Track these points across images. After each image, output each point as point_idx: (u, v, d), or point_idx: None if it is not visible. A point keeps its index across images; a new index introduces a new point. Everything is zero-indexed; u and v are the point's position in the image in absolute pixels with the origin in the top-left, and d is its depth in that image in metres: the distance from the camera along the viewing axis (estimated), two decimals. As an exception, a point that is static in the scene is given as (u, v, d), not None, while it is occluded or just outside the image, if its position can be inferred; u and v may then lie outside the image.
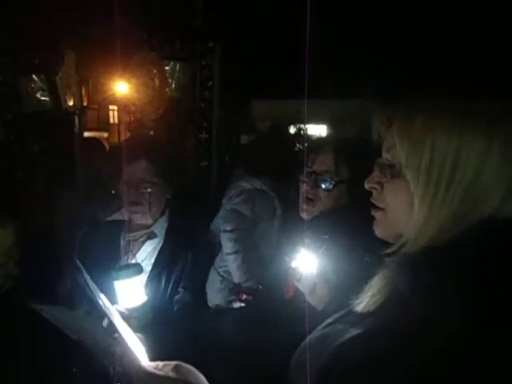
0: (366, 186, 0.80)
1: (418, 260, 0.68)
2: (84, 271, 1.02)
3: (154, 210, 1.60)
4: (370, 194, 0.80)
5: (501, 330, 0.59)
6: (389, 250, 0.73)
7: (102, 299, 1.01)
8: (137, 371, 0.83)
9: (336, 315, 0.82)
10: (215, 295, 2.60)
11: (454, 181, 0.67)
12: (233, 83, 4.68)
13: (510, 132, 0.67)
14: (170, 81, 4.05)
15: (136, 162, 1.57)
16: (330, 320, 0.82)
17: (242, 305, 2.47)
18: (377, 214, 0.79)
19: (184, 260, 1.58)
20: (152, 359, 0.85)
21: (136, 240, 1.62)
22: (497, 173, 0.67)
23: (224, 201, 2.76)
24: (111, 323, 0.97)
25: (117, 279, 1.36)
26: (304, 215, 1.45)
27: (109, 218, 1.70)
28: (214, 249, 2.64)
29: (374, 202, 0.79)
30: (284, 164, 2.69)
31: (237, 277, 2.55)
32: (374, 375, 0.63)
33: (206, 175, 4.23)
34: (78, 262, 1.04)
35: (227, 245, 2.56)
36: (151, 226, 1.61)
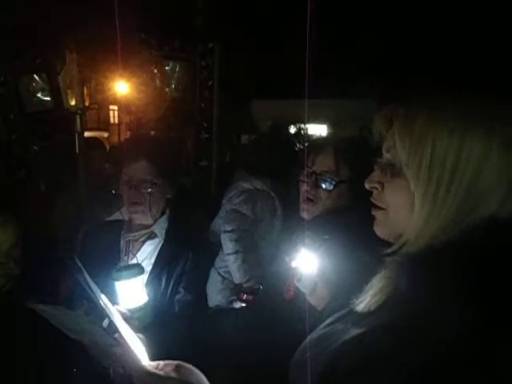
0: (367, 185, 0.80)
1: (419, 259, 0.68)
2: (85, 271, 1.02)
3: (154, 210, 1.59)
4: (371, 193, 0.80)
5: (502, 330, 0.59)
6: (389, 250, 0.73)
7: (103, 299, 1.01)
8: (138, 371, 0.83)
9: (336, 315, 0.82)
10: (216, 295, 2.60)
11: (455, 180, 0.67)
12: (233, 83, 4.69)
13: (510, 131, 0.67)
14: (170, 81, 4.05)
15: (136, 161, 1.57)
16: (330, 320, 0.82)
17: (243, 305, 2.47)
18: (377, 214, 0.79)
19: (184, 260, 1.58)
20: (153, 359, 0.85)
21: (136, 240, 1.62)
22: (497, 172, 0.67)
23: (224, 201, 2.77)
24: (111, 323, 0.97)
25: (118, 280, 1.36)
26: (304, 215, 1.45)
27: (109, 218, 1.70)
28: (215, 249, 2.64)
29: (375, 202, 0.79)
30: (284, 164, 2.69)
31: (237, 277, 2.55)
32: (374, 375, 0.63)
33: (207, 175, 4.23)
34: (79, 262, 1.04)
35: (227, 245, 2.56)
36: (151, 225, 1.61)
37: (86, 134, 3.58)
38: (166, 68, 4.04)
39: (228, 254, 2.57)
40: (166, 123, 4.19)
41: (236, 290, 2.57)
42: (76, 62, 3.06)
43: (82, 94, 3.12)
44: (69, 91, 3.09)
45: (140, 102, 3.94)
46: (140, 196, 1.56)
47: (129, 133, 4.77)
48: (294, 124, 6.26)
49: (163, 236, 1.59)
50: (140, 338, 0.94)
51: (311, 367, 0.72)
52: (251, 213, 2.59)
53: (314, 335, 0.81)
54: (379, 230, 0.80)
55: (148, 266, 1.56)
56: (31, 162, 3.74)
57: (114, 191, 1.74)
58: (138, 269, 1.40)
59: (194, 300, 1.57)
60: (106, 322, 1.24)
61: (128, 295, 1.37)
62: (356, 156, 1.37)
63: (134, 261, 1.56)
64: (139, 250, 1.61)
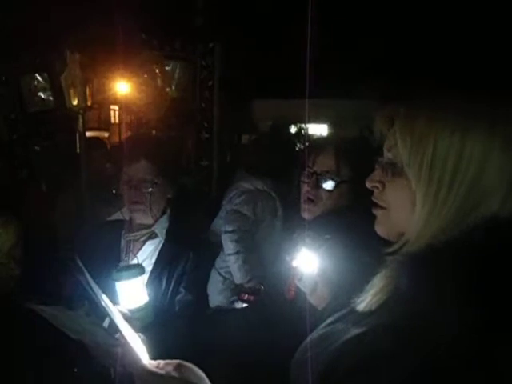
0: (368, 184, 0.80)
1: (420, 259, 0.68)
2: (86, 271, 1.02)
3: (154, 210, 1.59)
4: (372, 193, 0.80)
5: (503, 330, 0.59)
6: (390, 249, 0.73)
7: (104, 299, 1.01)
8: (139, 370, 0.83)
9: (337, 314, 0.82)
10: (217, 296, 2.60)
11: (456, 180, 0.67)
12: (233, 83, 4.69)
13: (511, 131, 0.67)
14: (170, 81, 4.05)
15: (137, 161, 1.57)
16: (331, 319, 0.82)
17: (244, 305, 2.47)
18: (378, 213, 0.79)
19: (185, 260, 1.58)
20: (154, 359, 0.85)
21: (137, 240, 1.62)
22: (498, 172, 0.66)
23: (224, 201, 2.77)
24: (112, 323, 0.97)
25: (118, 280, 1.36)
26: (305, 215, 1.45)
27: (109, 218, 1.70)
28: (215, 249, 2.64)
29: (376, 201, 0.79)
30: (284, 164, 2.69)
31: (238, 277, 2.55)
32: (375, 374, 0.63)
33: (207, 175, 4.24)
34: (80, 262, 1.04)
35: (228, 245, 2.56)
36: (152, 225, 1.61)
37: (87, 133, 3.59)
38: (167, 68, 4.04)
39: (229, 255, 2.57)
40: (167, 123, 4.19)
41: (237, 291, 2.57)
42: (78, 61, 3.06)
43: (85, 93, 3.12)
44: (71, 91, 3.09)
45: (141, 102, 3.94)
46: (140, 196, 1.56)
47: (129, 133, 4.77)
48: (295, 124, 6.25)
49: (164, 236, 1.59)
50: (141, 338, 0.94)
51: (312, 367, 0.72)
52: (252, 213, 2.59)
53: (314, 335, 0.81)
54: (380, 229, 0.80)
55: (149, 265, 1.56)
56: (33, 162, 3.74)
57: (114, 191, 1.74)
58: (139, 269, 1.40)
59: (194, 300, 1.57)
60: (106, 322, 1.24)
61: (128, 295, 1.37)
62: (357, 156, 1.37)
63: (135, 261, 1.56)
64: (140, 249, 1.61)
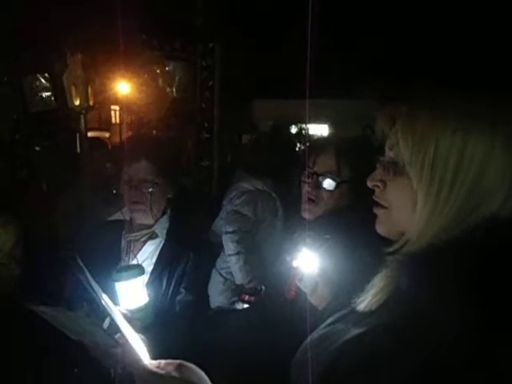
0: (369, 183, 0.80)
1: (421, 258, 0.68)
2: (86, 271, 1.02)
3: (155, 210, 1.59)
4: (372, 193, 0.80)
5: (504, 330, 0.59)
6: (391, 249, 0.73)
7: (105, 299, 1.01)
8: (139, 370, 0.83)
9: (337, 314, 0.82)
10: (217, 296, 2.60)
11: (458, 180, 0.67)
12: (234, 83, 4.69)
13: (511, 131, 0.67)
14: (171, 81, 4.06)
15: (137, 161, 1.56)
16: (331, 319, 0.82)
17: (245, 306, 2.47)
18: (379, 212, 0.79)
19: (185, 260, 1.58)
20: (154, 359, 0.85)
21: (137, 240, 1.61)
22: (500, 172, 0.66)
23: (225, 202, 2.76)
24: (113, 323, 0.97)
25: (118, 280, 1.35)
26: (306, 215, 1.44)
27: (110, 218, 1.70)
28: (216, 250, 2.64)
29: (377, 200, 0.79)
30: (284, 164, 2.69)
31: (239, 278, 2.55)
32: (375, 374, 0.63)
33: (208, 175, 4.24)
34: (81, 262, 1.04)
35: (229, 246, 2.56)
36: (152, 225, 1.61)
37: (88, 133, 3.59)
38: (167, 69, 4.05)
39: (230, 255, 2.57)
40: (167, 123, 4.20)
41: (238, 291, 2.57)
42: (80, 61, 3.06)
43: (86, 93, 3.12)
44: (73, 91, 3.09)
45: (141, 102, 3.95)
46: (141, 196, 1.56)
47: (130, 133, 4.77)
48: (296, 124, 6.26)
49: (164, 236, 1.59)
50: (141, 338, 0.94)
51: (312, 367, 0.72)
52: (252, 214, 2.59)
53: (314, 335, 0.81)
54: (381, 229, 0.80)
55: (149, 266, 1.56)
56: (34, 162, 3.75)
57: (114, 191, 1.74)
58: (138, 269, 1.40)
59: (195, 300, 1.56)
60: (106, 323, 1.24)
61: (128, 296, 1.37)
62: (357, 156, 1.37)
63: (135, 261, 1.56)
64: (140, 250, 1.61)
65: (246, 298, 2.48)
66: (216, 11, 4.08)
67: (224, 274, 2.65)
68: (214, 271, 2.62)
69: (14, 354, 2.01)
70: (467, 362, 0.58)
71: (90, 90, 3.28)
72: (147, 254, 1.60)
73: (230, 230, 2.57)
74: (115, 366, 1.16)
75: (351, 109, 7.06)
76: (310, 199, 1.43)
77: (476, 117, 0.68)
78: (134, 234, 1.61)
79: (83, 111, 3.19)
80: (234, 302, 2.60)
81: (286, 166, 2.67)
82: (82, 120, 3.21)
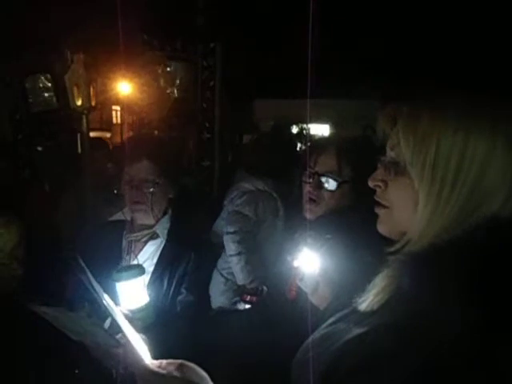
0: (370, 183, 0.80)
1: (422, 258, 0.68)
2: (88, 271, 1.02)
3: (156, 210, 1.59)
4: (374, 193, 0.80)
5: (504, 330, 0.59)
6: (392, 249, 0.73)
7: (106, 299, 1.01)
8: (140, 370, 0.83)
9: (339, 314, 0.82)
10: (219, 297, 2.60)
11: (459, 180, 0.67)
12: (234, 83, 4.69)
13: None
14: (173, 81, 4.06)
15: (138, 161, 1.57)
16: (332, 319, 0.82)
17: (247, 306, 2.47)
18: (381, 212, 0.79)
19: (187, 260, 1.58)
20: (156, 359, 0.85)
21: (138, 240, 1.61)
22: (501, 172, 0.67)
23: (226, 202, 2.76)
24: (114, 323, 0.97)
25: (118, 281, 1.35)
26: (308, 215, 1.44)
27: (111, 218, 1.70)
28: (217, 250, 2.64)
29: (378, 200, 0.79)
30: (285, 164, 2.69)
31: (241, 278, 2.55)
32: (376, 374, 0.63)
33: (209, 175, 4.24)
34: (82, 262, 1.04)
35: (230, 246, 2.56)
36: (153, 226, 1.61)
37: (90, 134, 3.58)
38: (168, 69, 4.05)
39: (231, 256, 2.57)
40: (168, 123, 4.20)
41: (239, 292, 2.57)
42: (82, 61, 3.06)
43: (89, 93, 3.12)
44: (75, 91, 3.09)
45: (143, 103, 3.95)
46: (142, 196, 1.56)
47: (131, 133, 4.78)
48: (297, 124, 6.26)
49: (165, 236, 1.59)
50: (142, 338, 0.94)
51: (313, 367, 0.72)
52: (253, 214, 2.59)
53: (316, 335, 0.81)
54: (382, 228, 0.80)
55: (150, 266, 1.56)
56: (36, 162, 3.75)
57: (115, 191, 1.74)
58: (139, 269, 1.40)
59: (196, 301, 1.56)
60: (107, 323, 1.25)
61: (129, 296, 1.37)
62: (358, 156, 1.37)
63: (136, 261, 1.56)
64: (141, 250, 1.61)
65: (248, 298, 2.49)
66: (217, 11, 4.09)
67: (225, 275, 2.65)
68: (215, 272, 2.62)
69: (15, 355, 2.01)
70: (468, 362, 0.58)
71: (91, 90, 3.27)
72: (148, 255, 1.60)
73: (232, 230, 2.57)
74: (117, 366, 1.16)
75: (352, 109, 7.05)
76: (311, 199, 1.43)
77: (477, 117, 0.68)
78: (135, 235, 1.61)
79: (85, 111, 3.19)
80: (235, 303, 2.60)
81: (286, 166, 2.67)
82: (84, 120, 3.21)
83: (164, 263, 1.57)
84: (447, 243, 0.67)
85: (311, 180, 1.43)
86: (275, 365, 1.01)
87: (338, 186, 1.39)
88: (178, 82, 4.13)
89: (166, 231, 1.60)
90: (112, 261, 1.56)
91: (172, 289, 1.55)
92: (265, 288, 2.11)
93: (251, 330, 1.51)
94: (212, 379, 0.82)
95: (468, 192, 0.67)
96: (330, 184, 1.39)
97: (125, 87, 3.75)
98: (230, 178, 2.96)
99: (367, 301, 0.74)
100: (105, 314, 1.04)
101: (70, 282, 1.92)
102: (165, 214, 1.64)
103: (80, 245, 2.01)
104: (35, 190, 3.28)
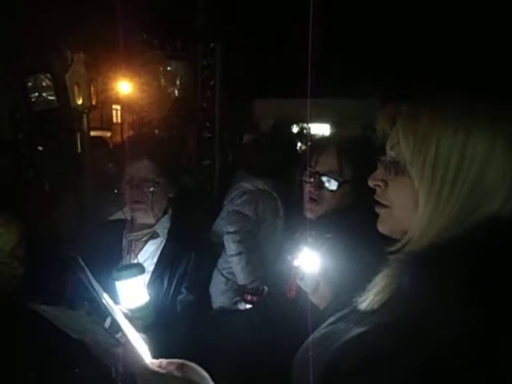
0: (370, 183, 0.80)
1: (423, 257, 0.68)
2: (87, 271, 1.02)
3: (156, 209, 1.59)
4: (374, 192, 0.80)
5: (505, 330, 0.59)
6: (393, 248, 0.73)
7: (106, 299, 1.01)
8: (141, 369, 0.83)
9: (339, 314, 0.82)
10: (219, 297, 2.59)
11: (459, 179, 0.67)
12: (235, 82, 4.69)
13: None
14: (173, 80, 4.06)
15: (138, 160, 1.57)
16: (332, 319, 0.82)
17: (247, 306, 2.47)
18: (381, 211, 0.79)
19: (187, 260, 1.58)
20: (156, 359, 0.85)
21: (138, 240, 1.61)
22: (501, 171, 0.67)
23: (226, 202, 2.76)
24: (114, 322, 0.97)
25: (118, 279, 1.35)
26: (309, 215, 1.44)
27: (111, 218, 1.70)
28: (217, 250, 2.63)
29: (378, 200, 0.79)
30: (285, 164, 2.68)
31: (241, 278, 2.55)
32: (376, 374, 0.63)
33: (209, 174, 4.24)
34: (82, 262, 1.04)
35: (231, 246, 2.55)
36: (154, 225, 1.61)
37: (90, 133, 3.58)
38: (169, 68, 4.05)
39: (231, 256, 2.56)
40: (169, 122, 4.21)
41: (240, 291, 2.57)
42: (83, 61, 3.06)
43: (89, 93, 3.12)
44: (76, 90, 3.09)
45: (143, 102, 3.95)
46: (142, 195, 1.56)
47: (131, 132, 4.78)
48: (297, 123, 6.26)
49: (165, 236, 1.59)
50: (142, 338, 0.94)
51: (313, 366, 0.72)
52: (254, 214, 2.58)
53: (316, 334, 0.81)
54: (383, 227, 0.80)
55: (150, 265, 1.56)
56: (38, 162, 3.75)
57: (116, 190, 1.74)
58: (139, 268, 1.40)
59: (196, 300, 1.56)
60: (108, 322, 1.24)
61: (128, 295, 1.37)
62: (359, 155, 1.37)
63: (136, 261, 1.56)
64: (141, 249, 1.61)
65: (249, 297, 2.48)
66: (217, 11, 4.09)
67: (226, 275, 2.65)
68: (215, 271, 2.62)
69: (15, 354, 2.01)
70: (468, 362, 0.58)
71: (92, 89, 3.27)
72: (148, 254, 1.60)
73: (232, 230, 2.57)
74: (116, 365, 1.16)
75: (353, 108, 7.05)
76: (312, 199, 1.43)
77: (477, 117, 0.68)
78: (135, 234, 1.61)
79: (86, 110, 3.19)
80: (236, 303, 2.60)
81: (286, 166, 2.67)
82: (85, 119, 3.21)
83: (164, 262, 1.57)
84: (447, 242, 0.67)
85: (312, 180, 1.43)
86: (275, 365, 1.01)
87: (339, 186, 1.39)
88: (178, 81, 4.13)
89: (166, 230, 1.60)
90: (112, 260, 1.56)
91: (172, 288, 1.55)
92: (265, 288, 2.11)
93: (251, 329, 1.52)
94: (212, 379, 0.82)
95: (468, 191, 0.67)
96: (331, 184, 1.39)
97: (125, 86, 3.75)
98: (230, 178, 2.96)
99: (367, 300, 0.74)
100: (105, 312, 1.03)
101: (70, 281, 1.92)
102: (165, 213, 1.64)
103: (80, 244, 2.01)
104: (35, 190, 3.28)
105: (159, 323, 1.41)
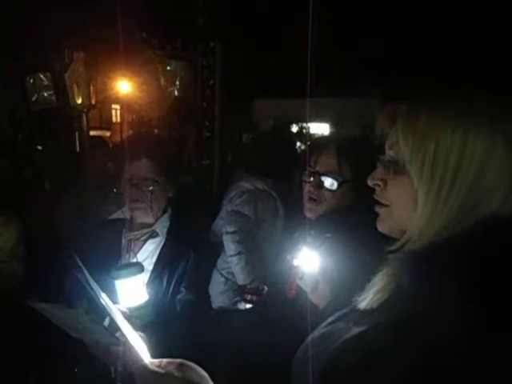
0: (370, 182, 0.80)
1: (422, 256, 0.68)
2: (85, 270, 1.02)
3: (155, 209, 1.59)
4: (374, 192, 0.80)
5: (505, 329, 0.59)
6: (392, 247, 0.73)
7: (104, 298, 1.01)
8: (140, 369, 0.82)
9: (338, 313, 0.82)
10: (219, 297, 2.59)
11: (458, 178, 0.67)
12: (234, 82, 4.69)
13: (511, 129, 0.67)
14: (173, 80, 4.06)
15: (138, 159, 1.56)
16: (332, 318, 0.82)
17: (247, 305, 2.47)
18: (380, 211, 0.79)
19: (186, 259, 1.58)
20: (155, 358, 0.85)
21: (138, 239, 1.61)
22: (500, 170, 0.67)
23: (225, 201, 2.76)
24: (112, 322, 0.97)
25: (117, 278, 1.35)
26: (309, 214, 1.44)
27: (111, 217, 1.70)
28: (216, 249, 2.63)
29: (378, 199, 0.79)
30: (284, 163, 2.68)
31: (241, 278, 2.54)
32: (375, 373, 0.63)
33: (209, 174, 4.24)
34: (79, 261, 1.04)
35: (230, 246, 2.55)
36: (153, 224, 1.61)
37: (89, 132, 3.59)
38: (168, 68, 4.05)
39: (231, 256, 2.56)
40: (168, 122, 4.21)
41: (240, 291, 2.57)
42: (83, 60, 3.06)
43: (89, 92, 3.12)
44: (75, 89, 3.09)
45: (142, 101, 3.95)
46: (141, 194, 1.56)
47: (131, 132, 4.78)
48: (296, 123, 6.25)
49: (165, 235, 1.59)
50: (141, 337, 0.94)
51: (313, 366, 0.72)
52: (253, 214, 2.58)
53: (315, 334, 0.80)
54: (382, 227, 0.80)
55: (149, 265, 1.56)
56: (37, 161, 3.75)
57: (115, 190, 1.74)
58: (138, 267, 1.40)
59: (195, 300, 1.56)
60: (107, 321, 1.24)
61: (128, 294, 1.36)
62: (358, 155, 1.37)
63: (135, 260, 1.56)
64: (141, 248, 1.60)
65: (249, 297, 2.48)
66: (217, 11, 4.08)
67: (225, 274, 2.64)
68: (214, 271, 2.62)
69: (15, 353, 2.01)
70: (468, 362, 0.58)
71: (91, 88, 3.27)
72: (148, 253, 1.60)
73: (231, 230, 2.56)
74: (116, 364, 1.16)
75: (352, 108, 7.05)
76: (312, 198, 1.42)
77: (476, 115, 0.68)
78: (134, 233, 1.61)
79: (85, 110, 3.19)
80: (235, 302, 2.59)
81: (286, 165, 2.67)
82: (84, 119, 3.21)
83: (163, 262, 1.57)
84: (447, 241, 0.67)
85: (311, 179, 1.43)
86: (275, 365, 1.01)
87: (339, 186, 1.39)
88: (177, 81, 4.13)
89: (165, 230, 1.60)
90: (111, 259, 1.56)
91: (171, 287, 1.55)
92: (265, 287, 2.10)
93: (251, 329, 1.51)
94: (212, 379, 0.81)
95: (467, 190, 0.67)
96: (331, 183, 1.39)
97: (125, 86, 3.75)
98: (229, 177, 2.96)
99: (367, 299, 0.74)
100: (103, 311, 1.03)
101: (69, 279, 1.92)
102: (164, 212, 1.64)
103: (80, 243, 2.00)
104: (35, 189, 3.28)
105: (158, 322, 1.40)
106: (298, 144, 3.87)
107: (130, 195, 1.57)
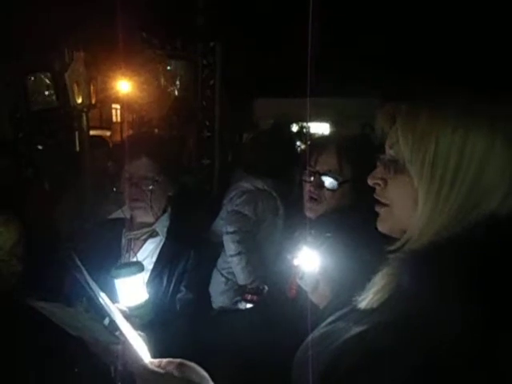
0: (370, 181, 0.80)
1: (422, 256, 0.68)
2: (84, 269, 1.02)
3: (155, 208, 1.59)
4: (374, 191, 0.80)
5: (505, 329, 0.59)
6: (392, 247, 0.73)
7: (103, 298, 1.01)
8: (139, 369, 0.82)
9: (338, 313, 0.82)
10: (219, 296, 2.59)
11: (458, 178, 0.67)
12: (234, 82, 4.69)
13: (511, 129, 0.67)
14: (173, 80, 4.06)
15: (138, 158, 1.57)
16: (332, 318, 0.82)
17: (248, 305, 2.46)
18: (381, 210, 0.79)
19: (186, 258, 1.58)
20: (154, 358, 0.85)
21: (138, 238, 1.61)
22: (500, 170, 0.67)
23: (225, 201, 2.75)
24: (112, 321, 0.97)
25: (117, 277, 1.35)
26: (309, 214, 1.44)
27: (111, 216, 1.70)
28: (217, 249, 2.63)
29: (378, 198, 0.79)
30: (284, 163, 2.68)
31: (241, 278, 2.54)
32: (375, 373, 0.63)
33: (209, 173, 4.24)
34: (78, 261, 1.04)
35: (230, 246, 2.55)
36: (153, 224, 1.61)
37: (90, 132, 3.59)
38: (168, 67, 4.05)
39: (231, 256, 2.56)
40: (168, 122, 4.20)
41: (240, 291, 2.57)
42: (83, 60, 3.07)
43: (89, 91, 3.12)
44: (75, 89, 3.09)
45: (142, 101, 3.95)
46: (141, 193, 1.56)
47: (131, 131, 4.78)
48: (297, 123, 6.25)
49: (164, 234, 1.59)
50: (141, 336, 0.94)
51: (313, 365, 0.72)
52: (253, 213, 2.58)
53: (315, 333, 0.80)
54: (382, 226, 0.79)
55: (149, 264, 1.56)
56: (37, 161, 3.75)
57: (115, 189, 1.74)
58: (138, 266, 1.40)
59: (195, 299, 1.56)
60: (106, 320, 1.24)
61: (127, 293, 1.36)
62: (359, 154, 1.37)
63: (135, 259, 1.56)
64: (141, 248, 1.61)
65: (249, 297, 2.48)
66: (217, 11, 4.08)
67: (225, 274, 2.64)
68: (215, 271, 2.61)
69: (15, 352, 2.01)
70: (468, 362, 0.58)
71: (91, 88, 3.27)
72: (148, 253, 1.60)
73: (231, 230, 2.56)
74: (116, 363, 1.16)
75: (352, 107, 7.04)
76: (312, 198, 1.42)
77: (476, 115, 0.68)
78: (134, 233, 1.61)
79: (85, 109, 3.19)
80: (236, 302, 2.59)
81: (286, 165, 2.67)
82: (84, 118, 3.21)
83: (163, 261, 1.57)
84: (447, 241, 0.67)
85: (312, 179, 1.43)
86: (275, 364, 1.01)
87: (339, 185, 1.39)
88: (178, 80, 4.13)
89: (165, 229, 1.60)
90: (111, 259, 1.56)
91: (171, 287, 1.55)
92: (266, 287, 2.10)
93: (252, 329, 1.51)
94: (212, 379, 0.81)
95: (467, 190, 0.67)
96: (331, 183, 1.39)
97: (125, 85, 3.75)
98: (229, 177, 2.96)
99: (367, 299, 0.74)
100: (103, 310, 1.03)
101: (68, 278, 1.92)
102: (164, 211, 1.64)
103: (80, 243, 2.01)
104: (35, 189, 3.28)
105: (158, 321, 1.40)
106: (298, 143, 3.87)
107: (129, 194, 1.57)
